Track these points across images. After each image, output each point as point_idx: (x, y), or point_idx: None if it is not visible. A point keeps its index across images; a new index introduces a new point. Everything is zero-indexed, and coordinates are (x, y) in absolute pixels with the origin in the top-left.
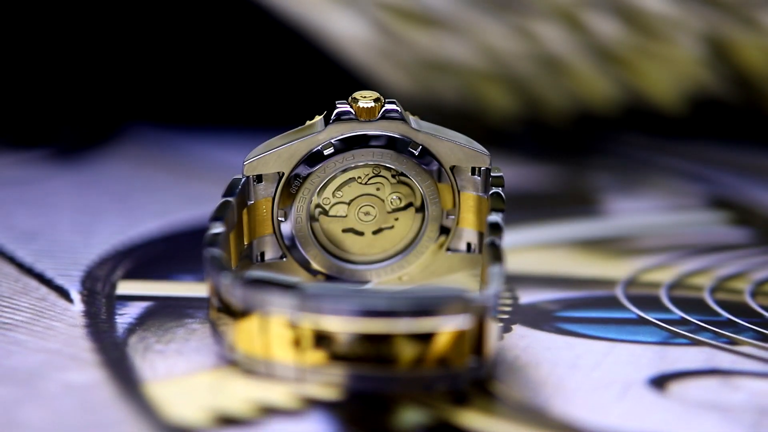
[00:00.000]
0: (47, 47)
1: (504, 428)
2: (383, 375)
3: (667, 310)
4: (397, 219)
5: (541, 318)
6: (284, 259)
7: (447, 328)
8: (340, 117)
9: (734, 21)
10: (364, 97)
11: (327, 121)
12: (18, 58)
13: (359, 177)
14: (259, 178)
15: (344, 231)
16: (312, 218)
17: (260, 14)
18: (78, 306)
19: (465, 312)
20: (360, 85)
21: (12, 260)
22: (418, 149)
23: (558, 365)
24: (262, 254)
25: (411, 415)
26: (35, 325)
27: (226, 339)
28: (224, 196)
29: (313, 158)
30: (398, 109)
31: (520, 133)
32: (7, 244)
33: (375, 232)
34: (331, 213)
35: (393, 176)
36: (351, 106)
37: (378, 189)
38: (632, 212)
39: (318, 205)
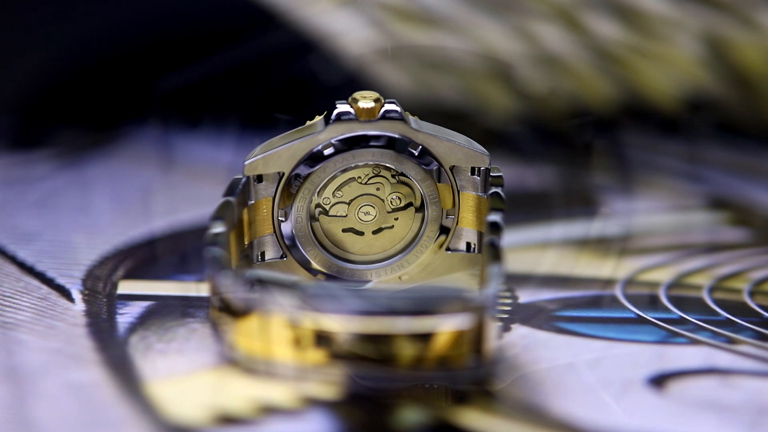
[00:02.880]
0: (48, 47)
1: (503, 428)
2: (383, 375)
3: (666, 310)
4: (396, 219)
5: (540, 317)
6: (284, 259)
7: (447, 327)
8: (340, 117)
9: (733, 21)
10: (364, 97)
11: (327, 121)
12: (19, 57)
13: (359, 177)
14: (259, 178)
15: (344, 231)
16: (312, 218)
17: (260, 14)
18: (79, 305)
19: (464, 311)
20: (360, 85)
21: (14, 260)
22: (418, 149)
23: (557, 364)
24: (263, 254)
25: (411, 415)
26: (37, 324)
27: (226, 338)
28: (225, 195)
29: (314, 158)
30: (398, 109)
31: (520, 133)
32: (9, 244)
33: (375, 232)
34: (331, 213)
35: (393, 176)
36: (351, 106)
37: (378, 189)
38: (632, 212)
39: (318, 205)
